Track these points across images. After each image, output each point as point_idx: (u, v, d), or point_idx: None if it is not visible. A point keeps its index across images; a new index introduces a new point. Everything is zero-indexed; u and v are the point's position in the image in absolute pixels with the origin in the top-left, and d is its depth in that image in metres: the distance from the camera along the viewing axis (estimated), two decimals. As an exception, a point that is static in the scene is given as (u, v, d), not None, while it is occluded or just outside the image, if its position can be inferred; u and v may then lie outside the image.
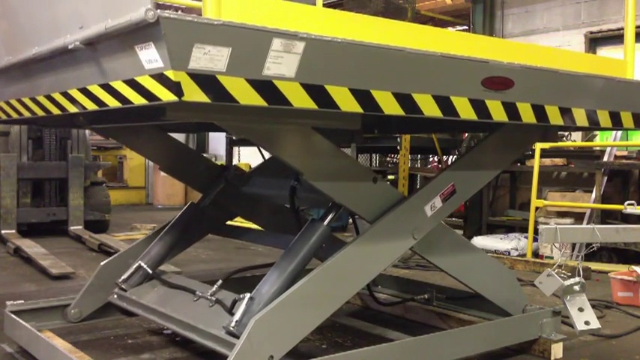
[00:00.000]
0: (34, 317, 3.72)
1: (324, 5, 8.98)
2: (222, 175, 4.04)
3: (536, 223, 6.96)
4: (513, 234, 7.65)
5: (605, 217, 7.05)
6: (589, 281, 5.75)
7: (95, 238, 7.67)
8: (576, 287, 3.46)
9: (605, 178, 7.07)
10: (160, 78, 2.10)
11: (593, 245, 3.96)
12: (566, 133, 7.75)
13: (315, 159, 2.93)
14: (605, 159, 7.13)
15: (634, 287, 5.01)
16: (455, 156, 8.84)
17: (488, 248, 7.30)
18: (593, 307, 3.82)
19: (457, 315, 4.00)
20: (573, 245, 6.57)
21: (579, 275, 3.49)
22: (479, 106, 2.81)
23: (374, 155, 10.61)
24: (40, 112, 3.05)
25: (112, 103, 2.40)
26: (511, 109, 2.93)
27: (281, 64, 2.23)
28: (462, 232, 8.72)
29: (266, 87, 2.24)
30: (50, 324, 3.77)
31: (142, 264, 3.73)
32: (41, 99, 3.00)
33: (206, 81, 2.10)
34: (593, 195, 7.05)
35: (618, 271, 5.52)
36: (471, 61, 2.77)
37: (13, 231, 7.99)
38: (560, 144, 7.37)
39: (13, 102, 3.33)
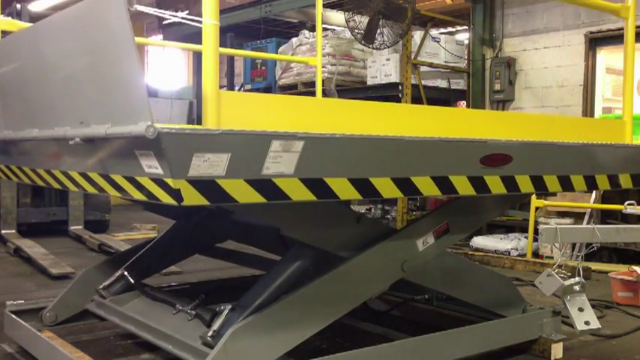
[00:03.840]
0: (34, 317, 3.72)
1: (324, 5, 8.94)
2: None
3: (536, 223, 6.95)
4: (513, 234, 7.64)
5: (605, 217, 7.05)
6: (589, 281, 5.75)
7: (95, 238, 7.67)
8: (576, 287, 3.46)
9: (605, 178, 7.06)
10: (160, 183, 2.12)
11: (593, 245, 3.96)
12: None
13: (294, 214, 2.88)
14: (605, 159, 7.12)
15: (634, 287, 5.01)
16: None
17: (488, 248, 7.30)
18: (593, 307, 3.82)
19: (457, 315, 4.00)
20: (573, 245, 6.57)
21: (579, 275, 3.49)
22: (477, 182, 2.84)
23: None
24: (41, 183, 3.08)
25: (112, 192, 2.44)
26: (509, 181, 2.96)
27: (280, 163, 2.25)
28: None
29: (265, 185, 2.25)
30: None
31: (126, 273, 3.69)
32: (42, 172, 3.02)
33: (205, 185, 2.12)
34: (593, 195, 7.05)
35: (618, 271, 5.52)
36: (469, 142, 2.80)
37: (13, 231, 7.99)
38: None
39: (14, 168, 3.35)
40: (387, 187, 2.56)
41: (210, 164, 2.09)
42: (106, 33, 2.19)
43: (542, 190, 3.13)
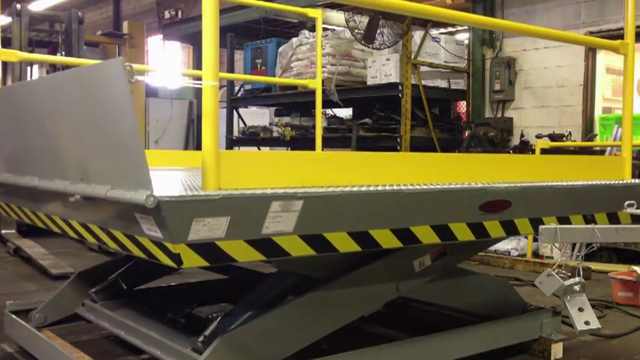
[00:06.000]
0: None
1: (324, 6, 8.92)
2: None
3: (536, 223, 6.94)
4: (513, 234, 7.63)
5: (605, 217, 7.03)
6: (589, 281, 5.74)
7: (95, 238, 7.66)
8: (576, 287, 3.45)
9: (605, 178, 7.05)
10: (160, 245, 2.12)
11: (593, 245, 3.95)
12: (566, 133, 7.75)
13: None
14: (605, 159, 7.11)
15: (634, 287, 5.00)
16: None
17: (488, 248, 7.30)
18: (593, 307, 3.81)
19: (457, 315, 4.00)
20: (573, 245, 6.57)
21: (579, 275, 3.48)
22: (477, 228, 2.85)
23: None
24: (40, 225, 3.08)
25: (112, 245, 2.44)
26: (509, 225, 2.98)
27: (279, 222, 2.25)
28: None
29: (265, 244, 2.25)
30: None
31: (119, 279, 3.67)
32: (42, 216, 3.01)
33: (205, 248, 2.12)
34: (593, 195, 7.04)
35: (618, 271, 5.51)
36: (468, 190, 2.80)
37: (13, 231, 7.97)
38: (560, 144, 7.37)
39: (14, 207, 3.34)
40: (386, 238, 2.57)
41: (209, 228, 2.09)
42: (106, 102, 2.19)
43: None
